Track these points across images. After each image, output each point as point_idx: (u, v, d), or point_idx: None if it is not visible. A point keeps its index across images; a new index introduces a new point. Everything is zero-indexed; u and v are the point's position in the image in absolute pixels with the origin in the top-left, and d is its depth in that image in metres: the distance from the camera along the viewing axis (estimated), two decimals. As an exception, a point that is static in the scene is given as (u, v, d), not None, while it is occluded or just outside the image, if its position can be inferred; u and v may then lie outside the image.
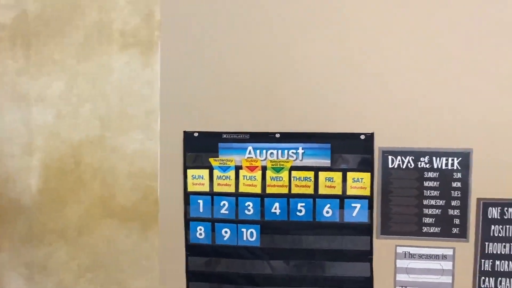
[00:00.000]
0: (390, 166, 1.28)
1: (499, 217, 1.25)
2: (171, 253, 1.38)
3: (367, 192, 1.29)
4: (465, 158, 1.25)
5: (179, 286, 1.39)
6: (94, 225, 1.43)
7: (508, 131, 1.23)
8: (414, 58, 1.25)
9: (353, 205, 1.30)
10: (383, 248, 1.30)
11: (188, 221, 1.37)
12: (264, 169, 1.33)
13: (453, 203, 1.26)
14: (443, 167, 1.26)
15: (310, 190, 1.31)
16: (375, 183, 1.29)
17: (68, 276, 1.45)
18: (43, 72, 1.41)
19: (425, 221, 1.28)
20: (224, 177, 1.35)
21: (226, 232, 1.35)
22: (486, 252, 1.26)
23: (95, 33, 1.38)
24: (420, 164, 1.27)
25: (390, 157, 1.28)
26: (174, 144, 1.36)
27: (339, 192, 1.30)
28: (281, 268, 1.34)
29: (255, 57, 1.31)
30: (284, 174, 1.32)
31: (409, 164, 1.27)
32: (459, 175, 1.26)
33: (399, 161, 1.28)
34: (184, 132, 1.35)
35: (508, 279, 1.26)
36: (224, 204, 1.35)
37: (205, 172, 1.35)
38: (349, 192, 1.30)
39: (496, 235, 1.26)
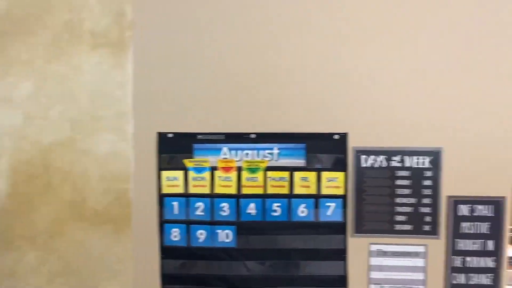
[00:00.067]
0: (363, 165, 1.30)
1: (468, 214, 1.28)
2: (145, 256, 1.37)
3: (341, 191, 1.31)
4: (435, 157, 1.28)
5: (154, 289, 1.37)
6: (64, 229, 1.39)
7: (477, 131, 1.27)
8: (387, 60, 1.28)
9: (327, 204, 1.31)
10: (357, 246, 1.32)
11: (163, 223, 1.35)
12: (239, 169, 1.33)
13: (424, 201, 1.29)
14: (415, 165, 1.29)
15: (286, 190, 1.32)
16: (349, 182, 1.31)
17: (38, 281, 1.41)
18: (9, 73, 1.36)
19: (398, 219, 1.30)
20: (199, 178, 1.34)
21: (201, 233, 1.35)
22: (457, 248, 1.29)
23: (65, 33, 1.35)
24: (392, 163, 1.29)
25: (363, 156, 1.30)
26: (148, 145, 1.34)
27: (314, 192, 1.31)
28: (257, 269, 1.34)
29: (230, 58, 1.31)
30: (260, 175, 1.32)
31: (381, 163, 1.30)
32: (430, 173, 1.29)
33: (372, 160, 1.30)
34: (158, 133, 1.34)
35: (478, 275, 1.30)
36: (199, 206, 1.34)
37: (179, 174, 1.34)
38: (324, 191, 1.31)
39: (466, 232, 1.29)
